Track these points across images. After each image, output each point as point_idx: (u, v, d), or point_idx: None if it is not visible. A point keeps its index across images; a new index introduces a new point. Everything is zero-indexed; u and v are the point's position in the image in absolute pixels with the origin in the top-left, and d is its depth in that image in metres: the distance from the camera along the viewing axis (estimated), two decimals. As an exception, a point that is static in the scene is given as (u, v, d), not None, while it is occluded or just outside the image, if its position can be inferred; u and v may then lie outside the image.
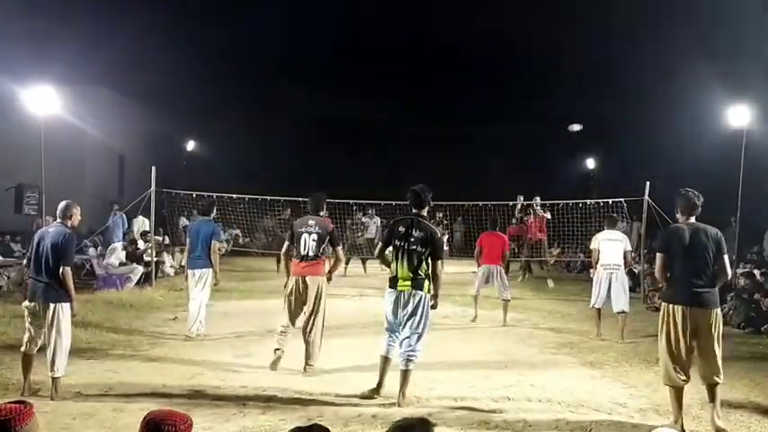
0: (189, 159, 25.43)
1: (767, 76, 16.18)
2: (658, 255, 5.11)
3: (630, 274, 13.66)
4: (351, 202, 17.54)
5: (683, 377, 4.84)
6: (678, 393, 4.86)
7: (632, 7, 22.61)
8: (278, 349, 6.32)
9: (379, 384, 5.47)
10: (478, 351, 7.46)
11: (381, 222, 17.28)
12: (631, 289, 13.07)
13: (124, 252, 12.32)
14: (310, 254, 6.32)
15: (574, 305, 11.05)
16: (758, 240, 15.29)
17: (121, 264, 12.02)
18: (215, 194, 14.96)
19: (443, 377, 6.16)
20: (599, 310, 8.44)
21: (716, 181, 15.42)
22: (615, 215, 10.10)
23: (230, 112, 25.89)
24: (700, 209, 5.14)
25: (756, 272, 10.68)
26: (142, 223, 14.04)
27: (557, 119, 26.75)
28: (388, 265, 5.55)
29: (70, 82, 15.02)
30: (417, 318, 5.36)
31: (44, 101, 10.18)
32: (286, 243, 6.58)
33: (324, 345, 6.53)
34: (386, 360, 5.53)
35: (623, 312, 8.28)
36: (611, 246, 8.39)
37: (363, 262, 16.42)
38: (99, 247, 13.37)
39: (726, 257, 4.98)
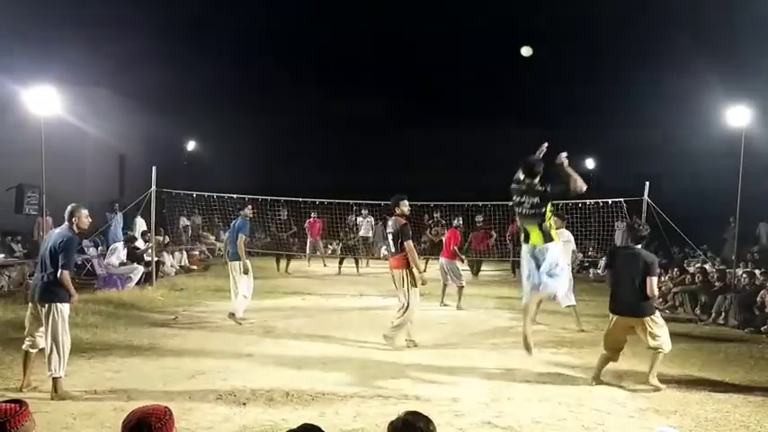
0: (189, 159, 25.44)
1: (767, 76, 16.18)
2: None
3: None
4: (351, 202, 17.59)
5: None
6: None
7: (632, 7, 22.62)
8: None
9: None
10: (478, 351, 7.46)
11: (375, 222, 17.54)
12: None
13: (125, 251, 12.32)
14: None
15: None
16: (757, 240, 15.31)
17: (122, 264, 12.03)
18: (215, 194, 15.02)
19: (442, 377, 6.16)
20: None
21: (715, 181, 15.45)
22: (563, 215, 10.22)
23: (230, 112, 25.90)
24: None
25: (756, 272, 10.68)
26: (140, 225, 14.10)
27: (557, 119, 26.76)
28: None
29: (70, 82, 15.02)
30: None
31: (44, 101, 10.18)
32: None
33: (324, 344, 6.53)
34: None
35: (572, 305, 8.79)
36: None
37: (356, 262, 16.49)
38: (99, 247, 13.38)
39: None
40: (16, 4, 16.81)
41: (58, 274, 5.36)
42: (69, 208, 5.68)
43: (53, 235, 5.57)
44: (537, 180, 5.98)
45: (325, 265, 17.34)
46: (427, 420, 2.54)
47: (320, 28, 28.73)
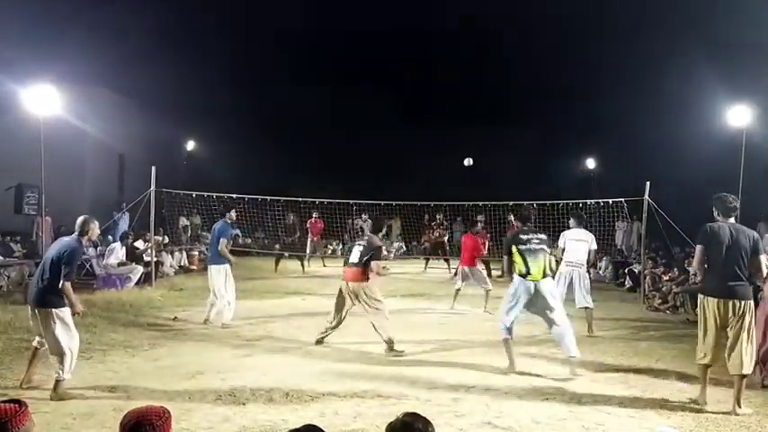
0: (189, 159, 25.44)
1: (767, 76, 16.17)
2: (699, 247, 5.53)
3: (630, 273, 13.74)
4: (351, 202, 17.61)
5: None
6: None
7: (632, 7, 22.62)
8: None
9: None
10: (478, 351, 7.45)
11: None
12: (631, 289, 13.17)
13: (123, 251, 12.31)
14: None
15: (573, 305, 11.03)
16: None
17: (121, 264, 12.02)
18: (215, 194, 15.02)
19: (442, 376, 6.15)
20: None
21: (716, 181, 15.44)
22: (583, 213, 10.12)
23: (230, 112, 25.90)
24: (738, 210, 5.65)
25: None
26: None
27: (557, 119, 26.78)
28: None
29: (70, 82, 15.00)
30: None
31: (44, 101, 10.17)
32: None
33: (324, 345, 6.47)
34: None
35: (587, 308, 8.61)
36: (576, 245, 8.65)
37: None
38: (99, 247, 13.37)
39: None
40: (16, 4, 16.81)
41: (60, 285, 5.27)
42: (82, 220, 5.56)
43: (59, 243, 5.47)
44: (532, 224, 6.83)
45: (324, 266, 17.34)
46: (426, 422, 2.53)
47: (320, 28, 28.76)
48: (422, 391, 5.68)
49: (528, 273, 6.37)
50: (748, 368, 5.30)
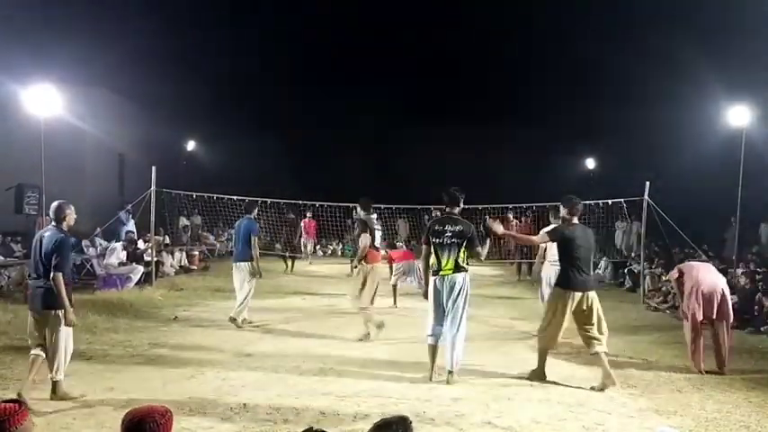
0: (189, 159, 25.45)
1: (767, 76, 16.18)
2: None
3: (630, 273, 13.73)
4: (351, 205, 17.64)
5: None
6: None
7: (632, 7, 22.63)
8: None
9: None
10: (478, 351, 7.44)
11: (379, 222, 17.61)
12: (631, 289, 13.16)
13: (124, 252, 12.32)
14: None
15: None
16: (758, 240, 15.30)
17: (121, 264, 12.02)
18: (215, 195, 15.02)
19: (442, 377, 6.15)
20: None
21: (716, 181, 15.45)
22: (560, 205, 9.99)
23: (230, 112, 25.92)
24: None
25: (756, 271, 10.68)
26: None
27: (557, 119, 26.79)
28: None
29: (70, 82, 15.01)
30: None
31: (44, 101, 10.17)
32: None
33: (325, 345, 6.51)
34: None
35: None
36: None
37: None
38: (99, 247, 13.36)
39: None
40: (16, 4, 16.80)
41: (51, 276, 5.13)
42: (57, 205, 5.39)
43: (44, 239, 5.26)
44: (457, 210, 6.20)
45: (310, 263, 17.65)
46: (405, 419, 2.56)
47: (319, 30, 28.77)
48: (422, 391, 5.68)
49: (439, 268, 6.02)
50: (605, 346, 6.01)
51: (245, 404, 5.24)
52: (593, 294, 6.01)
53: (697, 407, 5.40)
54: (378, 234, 8.24)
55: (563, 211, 6.29)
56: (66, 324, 5.27)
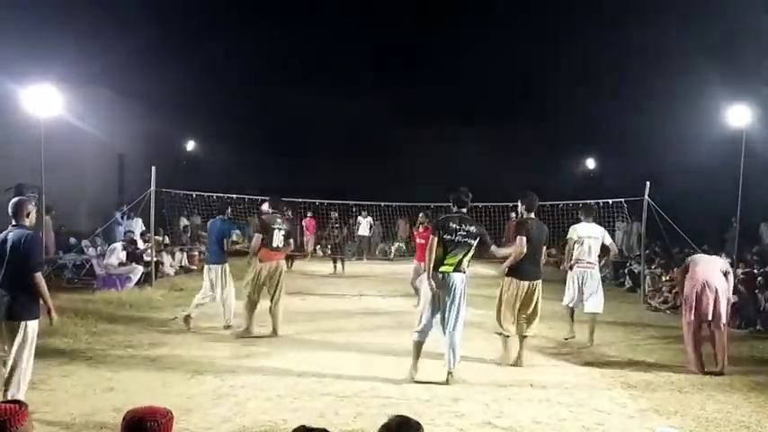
0: (189, 159, 25.43)
1: (767, 76, 16.18)
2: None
3: (630, 273, 13.73)
4: (351, 203, 17.67)
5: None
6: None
7: (633, 6, 22.62)
8: None
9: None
10: (478, 351, 7.44)
11: (374, 221, 17.85)
12: (631, 289, 13.16)
13: (124, 252, 12.32)
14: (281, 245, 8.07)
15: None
16: (758, 240, 15.30)
17: (121, 264, 12.02)
18: (215, 194, 15.01)
19: (442, 377, 6.15)
20: (572, 309, 8.19)
21: (716, 181, 15.45)
22: (593, 204, 9.78)
23: (230, 112, 25.91)
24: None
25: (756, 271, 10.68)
26: (138, 225, 14.17)
27: (557, 119, 26.77)
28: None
29: (70, 82, 14.99)
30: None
31: (44, 101, 10.16)
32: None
33: (324, 345, 6.51)
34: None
35: (595, 314, 8.01)
36: (588, 243, 8.05)
37: (341, 261, 16.48)
38: (99, 247, 13.37)
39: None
40: (16, 4, 16.79)
41: (30, 279, 4.66)
42: (18, 201, 4.88)
43: (9, 241, 4.71)
44: (465, 211, 6.28)
45: (309, 259, 17.92)
46: (417, 424, 2.51)
47: (318, 30, 28.77)
48: (422, 391, 5.68)
49: (442, 263, 5.97)
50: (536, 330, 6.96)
51: (244, 405, 5.24)
52: (537, 283, 6.76)
53: (697, 407, 5.40)
54: (279, 234, 7.96)
55: (521, 207, 6.86)
56: (51, 320, 4.91)
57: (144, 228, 14.06)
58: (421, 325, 6.08)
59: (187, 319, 8.37)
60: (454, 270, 5.99)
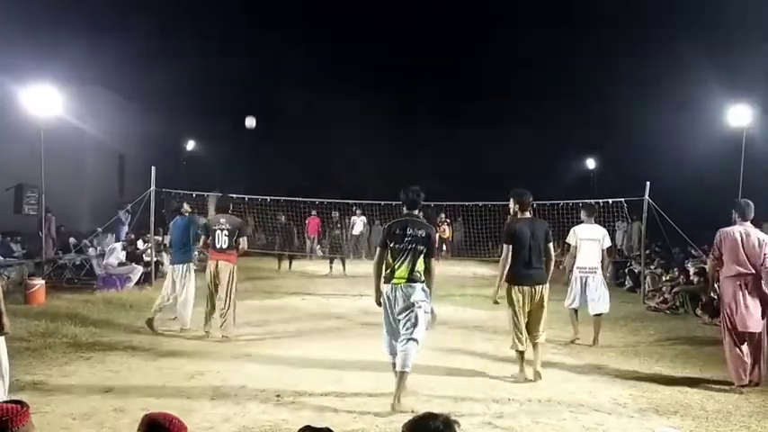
0: (189, 159, 25.43)
1: (767, 75, 16.18)
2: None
3: (630, 273, 13.72)
4: (350, 202, 17.64)
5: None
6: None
7: (633, 6, 22.64)
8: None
9: None
10: (478, 352, 7.44)
11: (368, 221, 18.00)
12: (631, 289, 13.14)
13: (124, 252, 12.33)
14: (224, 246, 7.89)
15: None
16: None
17: (121, 264, 12.02)
18: (215, 195, 14.99)
19: (443, 377, 6.15)
20: (575, 310, 8.11)
21: (716, 181, 15.44)
22: (594, 204, 9.47)
23: (230, 112, 25.92)
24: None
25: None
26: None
27: (557, 119, 26.78)
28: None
29: (70, 83, 15.01)
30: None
31: (44, 101, 10.17)
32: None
33: (324, 345, 6.49)
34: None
35: (600, 314, 7.90)
36: (588, 247, 7.87)
37: (342, 261, 16.33)
38: (99, 247, 13.37)
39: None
40: (16, 4, 16.80)
41: None
42: None
43: None
44: (417, 212, 5.52)
45: (310, 258, 18.04)
46: (453, 421, 2.50)
47: (317, 30, 28.78)
48: (422, 392, 5.67)
49: (392, 275, 5.27)
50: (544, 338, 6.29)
51: (244, 405, 5.23)
52: (540, 288, 6.08)
53: (697, 407, 5.39)
54: (222, 234, 7.82)
55: (513, 206, 6.23)
56: (3, 333, 4.37)
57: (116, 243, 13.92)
58: (386, 346, 5.43)
59: (150, 323, 8.11)
60: (407, 281, 5.22)
